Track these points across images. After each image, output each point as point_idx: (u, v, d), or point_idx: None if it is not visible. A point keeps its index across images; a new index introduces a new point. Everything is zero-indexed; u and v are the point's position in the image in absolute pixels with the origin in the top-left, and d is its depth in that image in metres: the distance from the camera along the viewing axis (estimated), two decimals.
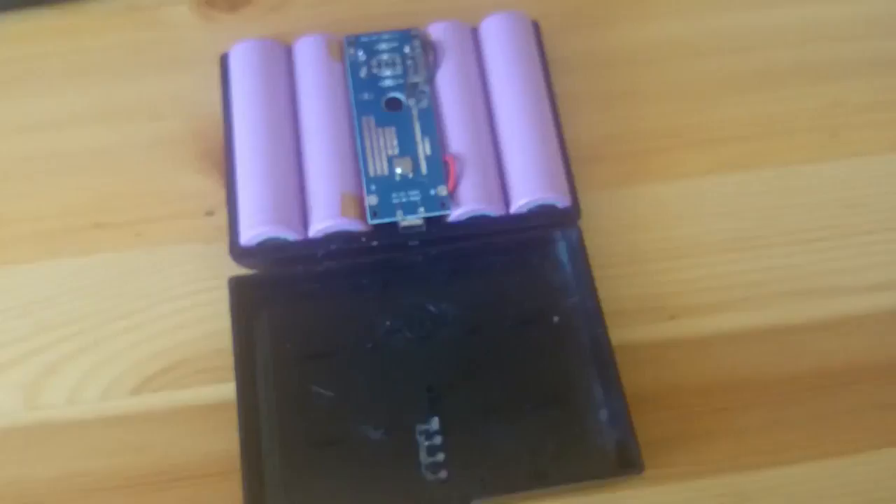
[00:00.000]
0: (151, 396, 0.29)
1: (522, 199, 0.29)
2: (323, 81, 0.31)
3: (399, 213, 0.29)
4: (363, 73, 0.31)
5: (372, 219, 0.29)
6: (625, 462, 0.27)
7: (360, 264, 0.30)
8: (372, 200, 0.29)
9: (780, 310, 0.30)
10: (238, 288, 0.29)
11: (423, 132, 0.30)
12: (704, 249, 0.31)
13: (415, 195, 0.29)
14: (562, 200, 0.30)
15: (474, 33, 0.33)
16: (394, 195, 0.29)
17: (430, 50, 0.32)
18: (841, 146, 0.33)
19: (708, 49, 0.34)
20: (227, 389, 0.29)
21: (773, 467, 0.28)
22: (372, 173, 0.30)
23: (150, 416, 0.29)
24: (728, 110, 0.33)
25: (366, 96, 0.31)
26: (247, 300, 0.29)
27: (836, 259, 0.31)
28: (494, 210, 0.30)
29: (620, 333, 0.29)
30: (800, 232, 0.31)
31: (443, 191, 0.29)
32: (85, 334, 0.30)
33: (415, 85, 0.31)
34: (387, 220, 0.29)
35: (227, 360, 0.29)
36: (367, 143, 0.30)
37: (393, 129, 0.30)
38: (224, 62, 0.32)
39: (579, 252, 0.30)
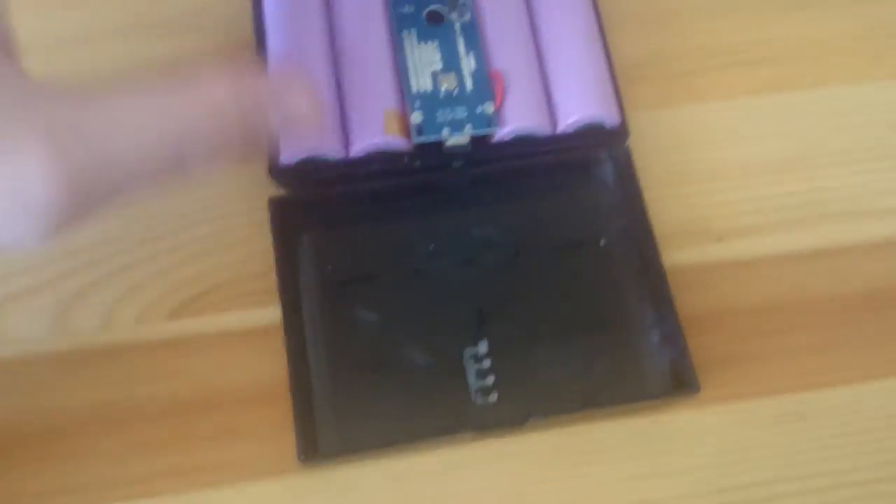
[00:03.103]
0: (190, 321, 0.28)
1: (571, 117, 0.29)
2: None
3: (445, 131, 0.28)
4: None
5: (417, 136, 0.28)
6: (680, 382, 0.27)
7: (403, 186, 0.29)
8: (416, 118, 0.28)
9: (827, 231, 0.30)
10: (278, 209, 0.28)
11: (468, 47, 0.29)
12: (750, 171, 0.30)
13: (461, 112, 0.28)
14: (611, 119, 0.29)
15: None
16: (439, 112, 0.28)
17: None
18: (886, 67, 0.32)
19: None
20: (267, 313, 0.28)
21: (825, 388, 0.28)
22: (415, 89, 0.28)
23: (189, 340, 0.28)
24: (771, 29, 0.33)
25: (406, 9, 0.30)
26: (288, 222, 0.28)
27: (883, 180, 0.30)
28: (541, 129, 0.29)
29: (667, 256, 0.28)
30: (846, 153, 0.31)
31: (489, 108, 0.28)
32: (115, 257, 0.29)
33: None
34: (432, 138, 0.28)
35: (267, 283, 0.28)
36: (410, 59, 0.29)
37: (436, 43, 0.29)
38: None
39: (628, 172, 0.29)
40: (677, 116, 0.31)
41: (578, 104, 0.29)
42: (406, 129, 0.28)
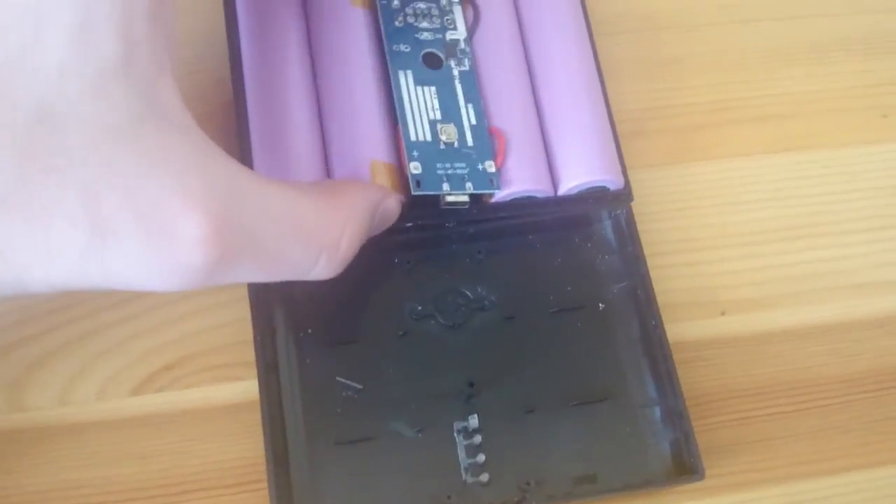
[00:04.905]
0: (154, 397, 0.26)
1: (573, 181, 0.27)
2: (345, 30, 0.27)
3: (445, 186, 0.26)
4: (398, 21, 0.27)
5: (416, 189, 0.25)
6: (682, 467, 0.25)
7: (389, 241, 0.26)
8: (415, 168, 0.26)
9: (835, 305, 0.29)
10: None
11: (467, 98, 0.27)
12: (756, 238, 0.29)
13: (461, 168, 0.26)
14: (614, 183, 0.27)
15: None
16: (438, 165, 0.26)
17: (468, 4, 0.28)
18: (893, 128, 0.31)
19: (757, 16, 0.32)
20: (239, 389, 0.26)
21: (830, 475, 0.27)
22: (414, 137, 0.26)
23: (154, 419, 0.26)
24: (780, 84, 0.31)
25: (402, 48, 0.27)
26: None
27: (890, 250, 0.29)
28: (542, 191, 0.27)
29: (667, 329, 0.27)
30: (856, 220, 0.30)
31: (491, 167, 0.26)
32: (76, 324, 0.26)
33: (454, 43, 0.27)
34: (431, 192, 0.26)
35: (239, 355, 0.26)
36: (406, 102, 0.26)
37: (433, 89, 0.27)
38: (229, 6, 0.28)
39: (630, 231, 0.27)
40: (677, 176, 0.30)
41: (581, 169, 0.27)
42: (395, 182, 0.26)
